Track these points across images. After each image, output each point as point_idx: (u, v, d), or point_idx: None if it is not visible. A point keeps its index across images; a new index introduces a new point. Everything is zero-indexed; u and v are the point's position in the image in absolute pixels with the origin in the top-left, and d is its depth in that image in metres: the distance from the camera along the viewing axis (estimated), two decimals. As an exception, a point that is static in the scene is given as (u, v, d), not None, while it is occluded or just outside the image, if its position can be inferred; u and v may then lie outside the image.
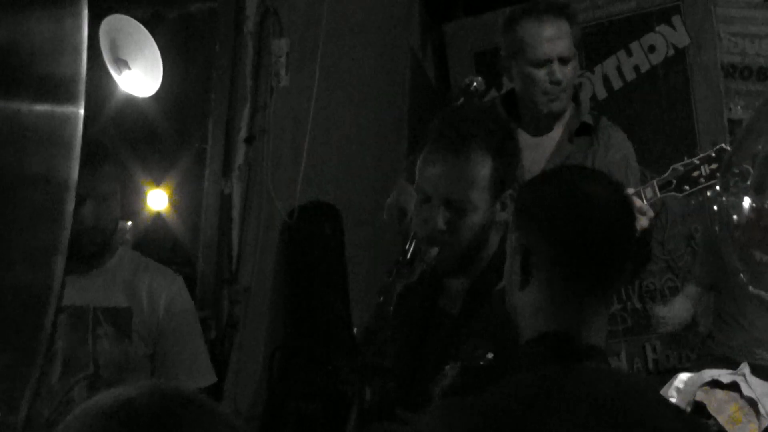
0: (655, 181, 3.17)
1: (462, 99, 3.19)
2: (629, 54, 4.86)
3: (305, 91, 4.47)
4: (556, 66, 3.28)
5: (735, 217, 3.12)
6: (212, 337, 4.17)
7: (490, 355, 2.30)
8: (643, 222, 3.01)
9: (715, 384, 3.30)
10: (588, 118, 3.46)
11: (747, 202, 3.09)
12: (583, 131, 3.45)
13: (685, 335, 4.60)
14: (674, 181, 3.14)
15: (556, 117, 3.42)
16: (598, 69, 4.92)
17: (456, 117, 2.54)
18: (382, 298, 2.44)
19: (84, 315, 3.04)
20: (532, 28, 3.31)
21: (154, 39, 3.68)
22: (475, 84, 3.19)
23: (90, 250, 3.05)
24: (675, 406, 2.00)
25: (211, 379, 3.19)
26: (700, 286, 4.33)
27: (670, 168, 3.17)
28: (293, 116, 4.50)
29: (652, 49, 4.84)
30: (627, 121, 4.77)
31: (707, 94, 4.74)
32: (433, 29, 5.36)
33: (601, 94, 4.90)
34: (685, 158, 3.18)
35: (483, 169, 2.41)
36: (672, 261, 4.76)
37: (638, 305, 4.78)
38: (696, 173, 3.13)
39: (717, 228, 3.93)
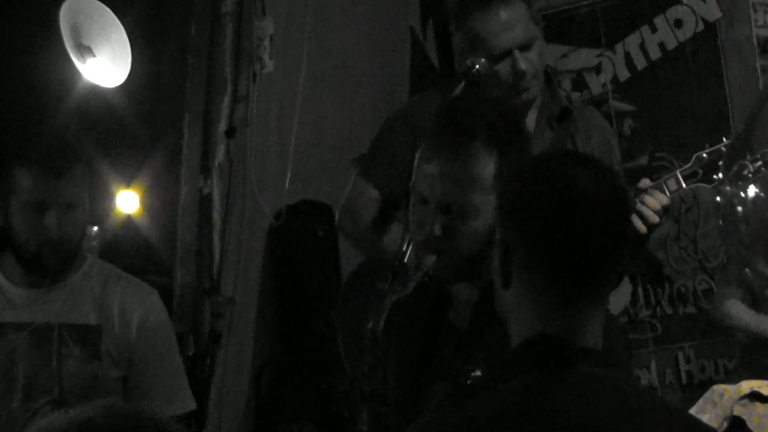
0: (678, 171, 3.19)
1: (462, 84, 3.15)
2: (653, 29, 4.86)
3: (292, 78, 4.46)
4: (517, 55, 3.28)
5: (740, 209, 3.14)
6: (191, 355, 4.15)
7: (477, 372, 2.29)
8: (653, 219, 3.06)
9: (755, 397, 3.29)
10: (565, 102, 3.47)
11: (752, 191, 3.11)
12: (561, 117, 3.45)
13: (722, 342, 4.60)
14: (700, 171, 3.18)
15: (528, 105, 3.42)
16: (619, 47, 4.91)
17: (456, 109, 2.50)
18: (371, 323, 2.39)
19: (48, 333, 3.02)
20: (482, 19, 3.29)
21: (122, 22, 3.67)
22: (477, 66, 3.16)
23: (53, 263, 3.01)
24: (686, 417, 1.97)
25: (190, 405, 3.18)
26: (742, 287, 4.32)
27: (694, 156, 3.19)
28: (279, 106, 4.50)
29: (679, 23, 4.83)
30: (652, 105, 4.76)
31: (741, 72, 4.73)
32: (434, 5, 5.34)
33: (623, 75, 4.90)
34: (707, 145, 3.20)
35: (486, 168, 2.37)
36: (705, 261, 4.76)
37: (669, 310, 4.78)
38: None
39: (720, 221, 3.94)
